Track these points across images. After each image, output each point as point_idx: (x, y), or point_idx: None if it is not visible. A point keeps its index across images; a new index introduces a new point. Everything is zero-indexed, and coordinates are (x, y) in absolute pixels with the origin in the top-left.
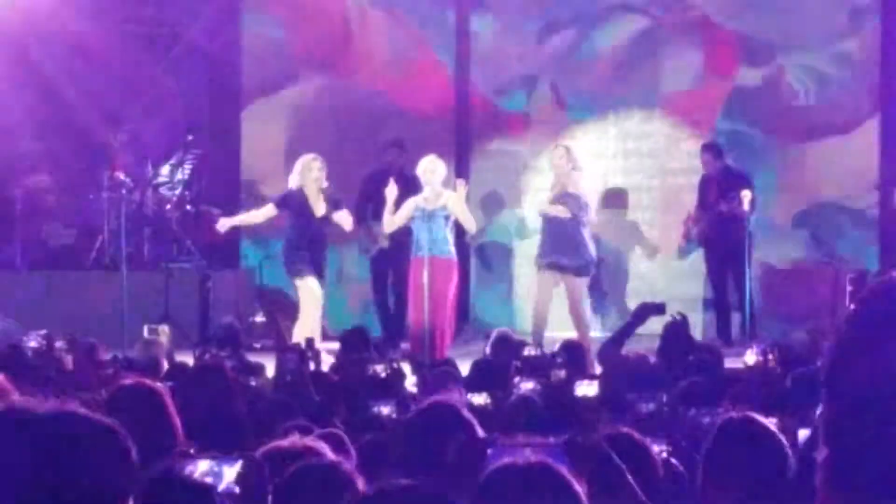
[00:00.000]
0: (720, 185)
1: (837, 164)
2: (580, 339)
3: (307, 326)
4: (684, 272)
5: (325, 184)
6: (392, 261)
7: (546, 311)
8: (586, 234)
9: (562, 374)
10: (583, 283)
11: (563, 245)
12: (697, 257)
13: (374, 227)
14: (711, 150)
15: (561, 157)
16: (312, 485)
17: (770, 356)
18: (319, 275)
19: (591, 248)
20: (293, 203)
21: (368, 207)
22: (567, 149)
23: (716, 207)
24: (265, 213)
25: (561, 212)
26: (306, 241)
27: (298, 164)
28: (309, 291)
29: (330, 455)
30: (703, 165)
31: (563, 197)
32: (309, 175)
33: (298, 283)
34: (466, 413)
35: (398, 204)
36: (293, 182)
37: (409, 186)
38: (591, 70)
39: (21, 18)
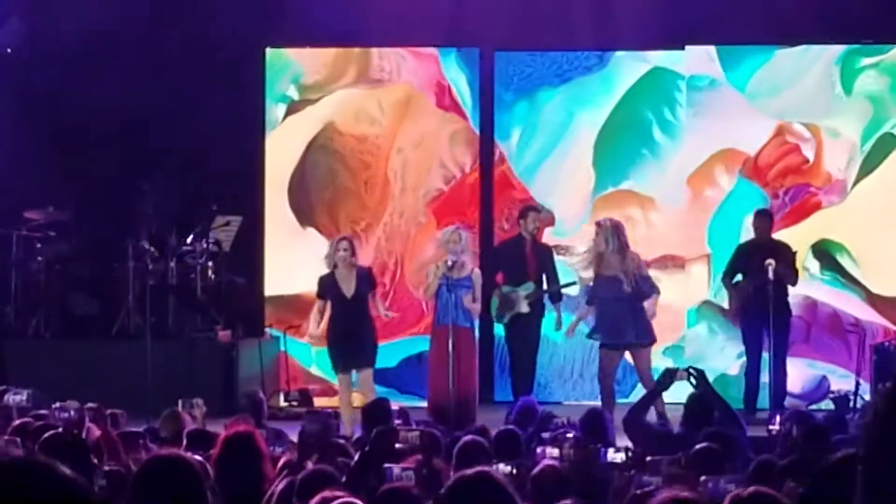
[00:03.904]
0: (766, 253)
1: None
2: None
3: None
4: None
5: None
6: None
7: None
8: None
9: (570, 452)
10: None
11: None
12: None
13: (510, 293)
14: (767, 216)
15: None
16: None
17: (792, 425)
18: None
19: None
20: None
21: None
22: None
23: (761, 274)
24: (320, 309)
25: None
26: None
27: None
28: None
29: None
30: (755, 231)
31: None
32: (335, 255)
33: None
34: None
35: (545, 273)
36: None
37: (545, 253)
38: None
39: (41, 82)
